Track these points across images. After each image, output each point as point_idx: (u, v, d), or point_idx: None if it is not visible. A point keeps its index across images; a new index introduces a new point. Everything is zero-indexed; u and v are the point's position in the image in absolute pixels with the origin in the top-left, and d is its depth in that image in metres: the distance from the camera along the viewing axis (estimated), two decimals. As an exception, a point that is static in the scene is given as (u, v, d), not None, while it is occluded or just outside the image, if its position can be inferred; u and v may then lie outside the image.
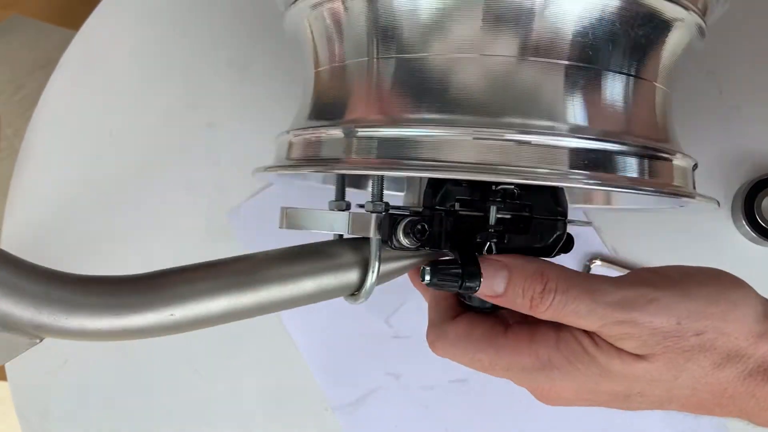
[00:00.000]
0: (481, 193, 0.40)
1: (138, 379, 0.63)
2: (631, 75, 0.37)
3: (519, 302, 0.36)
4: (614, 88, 0.36)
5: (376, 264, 0.39)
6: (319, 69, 0.40)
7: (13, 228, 0.66)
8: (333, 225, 0.40)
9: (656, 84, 0.38)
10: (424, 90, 0.35)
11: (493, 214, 0.40)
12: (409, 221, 0.39)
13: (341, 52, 0.38)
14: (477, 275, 0.37)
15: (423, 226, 0.39)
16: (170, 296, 0.36)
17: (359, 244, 0.40)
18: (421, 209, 0.41)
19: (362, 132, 0.36)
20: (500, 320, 0.39)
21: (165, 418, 0.62)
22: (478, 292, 0.37)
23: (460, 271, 0.37)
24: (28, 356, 0.64)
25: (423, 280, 0.38)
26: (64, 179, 0.66)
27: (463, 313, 0.40)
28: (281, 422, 0.61)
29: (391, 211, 0.39)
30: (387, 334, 0.60)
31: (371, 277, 0.39)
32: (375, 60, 0.37)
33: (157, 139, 0.65)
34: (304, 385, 0.61)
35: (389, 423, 0.60)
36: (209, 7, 0.66)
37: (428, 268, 0.38)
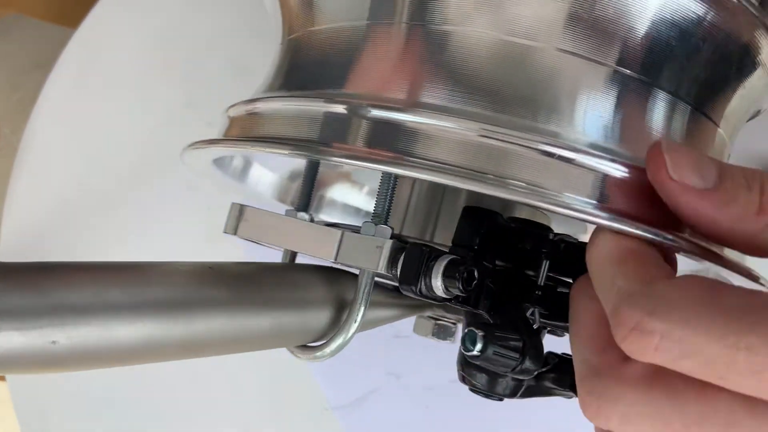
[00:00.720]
0: (534, 240, 0.31)
1: (137, 380, 0.63)
2: (697, 110, 0.29)
3: (742, 199, 0.23)
4: (675, 116, 0.28)
5: (362, 309, 0.28)
6: (310, 29, 0.30)
7: (12, 227, 0.66)
8: (311, 245, 0.29)
9: (719, 129, 0.30)
10: (447, 71, 0.27)
11: (544, 271, 0.30)
12: (450, 261, 0.28)
13: (352, 10, 0.29)
14: (541, 350, 0.28)
15: (472, 272, 0.28)
16: (56, 308, 0.21)
17: (334, 276, 0.30)
18: (446, 248, 0.30)
19: (376, 113, 0.26)
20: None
21: (164, 419, 0.62)
22: (670, 189, 0.23)
23: (521, 344, 0.28)
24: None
25: (469, 349, 0.27)
26: (63, 178, 0.66)
27: (684, 275, 0.23)
28: (281, 422, 0.61)
29: (415, 241, 0.29)
30: (388, 333, 0.60)
31: (352, 328, 0.29)
32: (404, 25, 0.27)
33: (157, 139, 0.65)
34: (304, 384, 0.61)
35: (389, 423, 0.60)
36: (208, 6, 0.66)
37: (480, 333, 0.27)
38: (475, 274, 0.28)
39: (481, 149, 0.25)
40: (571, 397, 0.32)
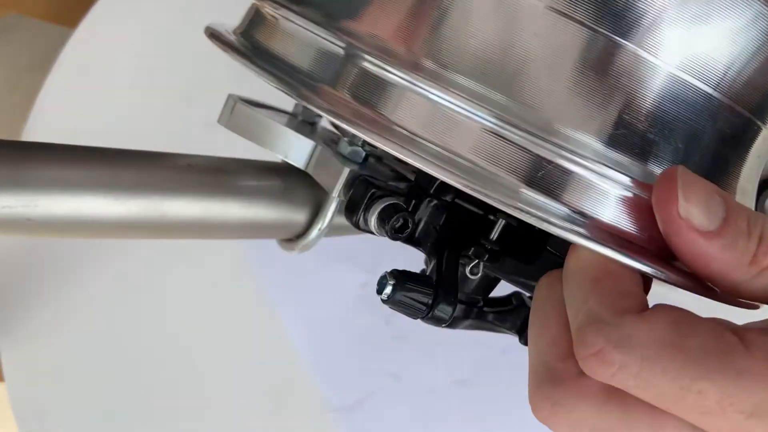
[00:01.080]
0: None
1: (135, 381, 0.62)
2: (749, 116, 0.26)
3: (740, 246, 0.22)
4: (707, 117, 0.25)
5: (325, 221, 0.30)
6: None
7: (10, 228, 0.66)
8: (288, 151, 0.30)
9: (764, 127, 0.27)
10: (468, 37, 0.24)
11: (499, 229, 0.30)
12: (388, 206, 0.29)
13: None
14: (454, 304, 0.29)
15: (406, 221, 0.29)
16: (32, 184, 0.24)
17: (315, 181, 0.31)
18: (406, 184, 0.30)
19: (371, 63, 0.24)
20: (718, 323, 0.23)
21: (162, 420, 0.62)
22: (673, 223, 0.22)
23: (430, 298, 0.28)
24: (25, 357, 0.64)
25: (380, 292, 0.28)
26: (62, 179, 0.66)
27: (657, 306, 0.23)
28: (279, 424, 0.60)
29: (368, 175, 0.29)
30: (387, 334, 0.60)
31: (315, 233, 0.31)
32: None
33: (156, 139, 0.65)
34: (303, 386, 0.60)
35: (389, 425, 0.59)
36: (208, 5, 0.66)
37: (392, 281, 0.28)
38: (409, 223, 0.28)
39: (477, 136, 0.23)
40: (515, 336, 0.33)
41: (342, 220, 0.30)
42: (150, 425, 0.62)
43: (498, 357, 0.56)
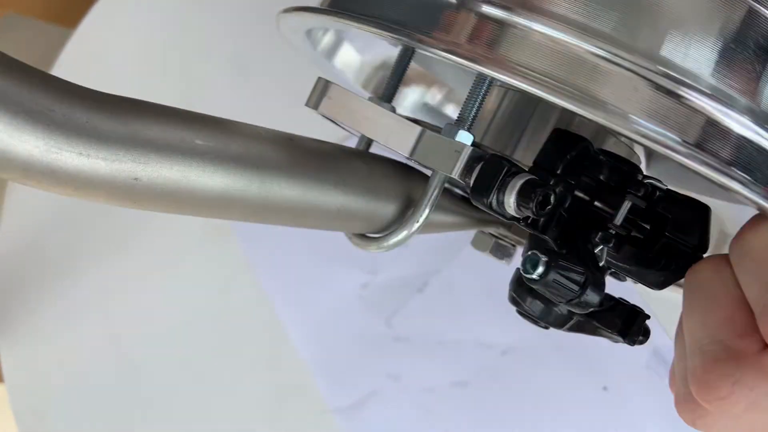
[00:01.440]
0: (621, 177, 0.29)
1: (135, 381, 0.62)
2: None
3: None
4: None
5: (427, 211, 0.28)
6: None
7: (12, 227, 0.66)
8: (390, 137, 0.27)
9: None
10: None
11: (625, 210, 0.28)
12: (528, 181, 0.26)
13: None
14: (602, 287, 0.27)
15: (547, 196, 0.26)
16: (143, 146, 0.22)
17: (406, 172, 0.29)
18: (526, 168, 0.28)
19: (489, 10, 0.24)
20: None
21: (162, 420, 0.62)
22: None
23: (583, 277, 0.27)
24: (25, 357, 0.64)
25: (529, 272, 0.26)
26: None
27: None
28: (279, 424, 0.61)
29: (498, 151, 0.27)
30: (388, 335, 0.60)
31: (414, 227, 0.28)
32: None
33: (156, 139, 0.65)
34: (303, 386, 0.60)
35: (389, 425, 0.59)
36: (208, 5, 0.66)
37: (544, 258, 0.26)
38: (551, 199, 0.26)
39: (597, 68, 0.23)
40: (617, 341, 0.32)
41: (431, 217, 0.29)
42: (150, 425, 0.62)
43: (498, 358, 0.56)
